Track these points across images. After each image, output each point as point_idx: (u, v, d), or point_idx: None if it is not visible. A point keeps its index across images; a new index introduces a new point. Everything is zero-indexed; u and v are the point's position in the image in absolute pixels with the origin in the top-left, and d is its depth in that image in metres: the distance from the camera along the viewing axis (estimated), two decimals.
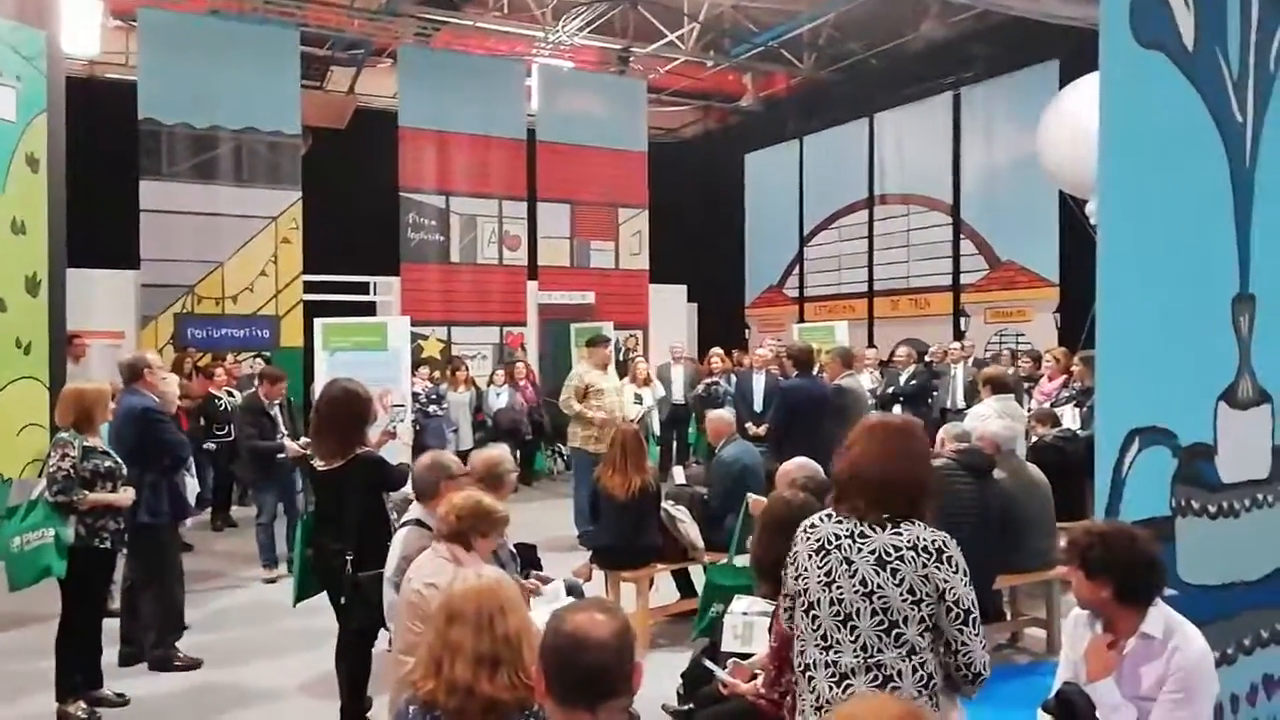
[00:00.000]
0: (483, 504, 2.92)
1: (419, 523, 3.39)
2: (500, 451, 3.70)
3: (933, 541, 2.22)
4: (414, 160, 11.80)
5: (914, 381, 9.41)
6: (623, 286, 13.24)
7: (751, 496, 4.38)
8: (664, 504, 5.15)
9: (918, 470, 2.26)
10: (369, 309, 11.90)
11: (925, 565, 2.19)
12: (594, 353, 7.43)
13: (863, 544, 2.24)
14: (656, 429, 9.81)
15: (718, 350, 10.13)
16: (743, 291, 15.36)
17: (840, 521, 2.29)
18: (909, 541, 2.21)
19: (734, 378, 9.49)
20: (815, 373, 6.76)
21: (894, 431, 2.28)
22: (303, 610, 4.44)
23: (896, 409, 8.57)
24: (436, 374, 10.69)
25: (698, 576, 5.23)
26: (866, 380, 9.18)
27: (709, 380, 9.69)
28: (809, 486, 3.09)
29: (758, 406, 8.51)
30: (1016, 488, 4.80)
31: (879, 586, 2.20)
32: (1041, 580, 4.90)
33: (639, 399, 9.21)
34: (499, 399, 10.36)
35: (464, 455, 3.94)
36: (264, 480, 6.68)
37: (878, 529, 2.24)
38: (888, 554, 2.21)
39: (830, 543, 2.28)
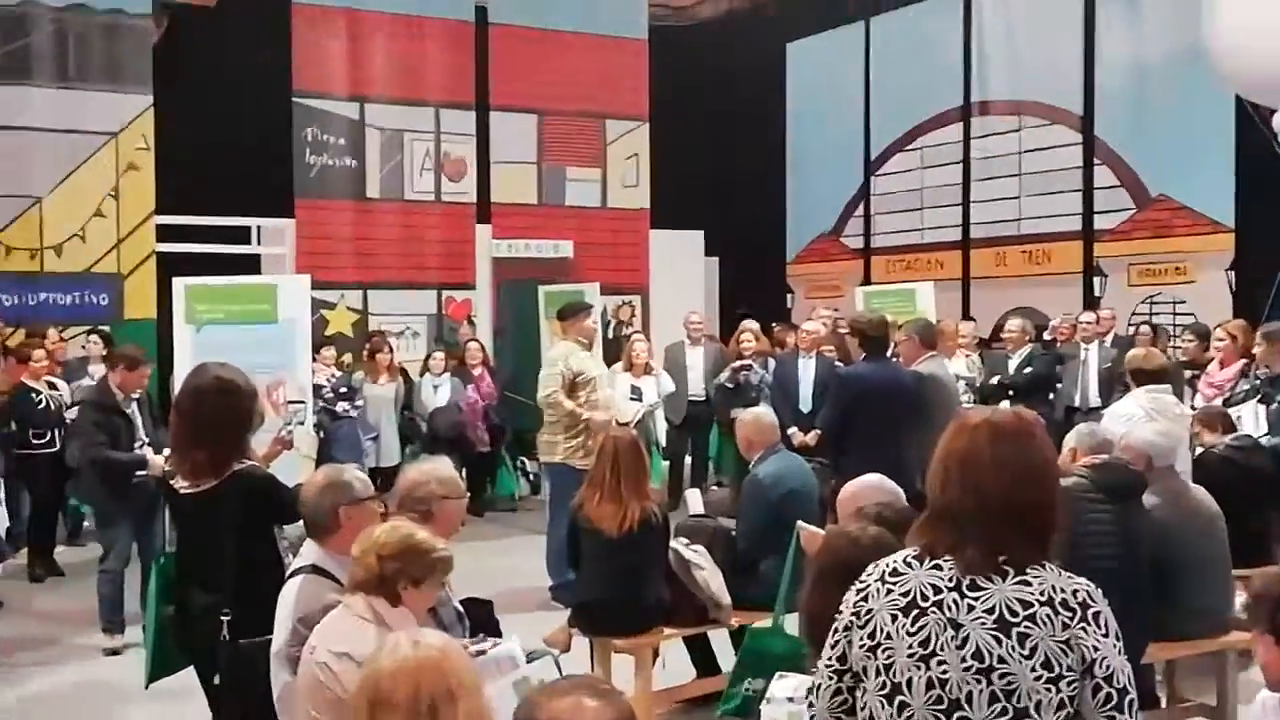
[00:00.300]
0: (415, 538, 2.94)
1: (316, 569, 3.44)
2: (437, 467, 3.72)
3: (1074, 593, 2.22)
4: (314, 52, 11.96)
5: (1028, 369, 9.50)
6: (613, 233, 13.31)
7: (803, 527, 4.43)
8: (674, 543, 5.24)
9: (1047, 490, 2.26)
10: (251, 264, 11.90)
11: (1067, 627, 2.19)
12: (573, 326, 7.51)
13: (974, 599, 2.24)
14: (662, 436, 9.86)
15: (750, 324, 10.15)
16: (783, 241, 15.40)
17: (937, 568, 2.28)
18: (1042, 594, 2.21)
19: (772, 363, 9.62)
20: (889, 355, 6.90)
21: (1009, 434, 2.27)
22: (159, 694, 4.47)
23: (1004, 406, 8.69)
24: (348, 358, 10.87)
25: (722, 645, 5.36)
26: (960, 366, 9.42)
27: (738, 366, 9.72)
28: (884, 516, 3.08)
29: (806, 404, 8.67)
30: (1175, 518, 4.85)
31: (1001, 660, 2.19)
32: (1211, 651, 4.94)
33: (636, 394, 9.35)
34: (438, 394, 10.42)
35: (388, 476, 3.72)
36: (114, 508, 6.64)
37: (994, 578, 2.24)
38: (1012, 613, 2.21)
39: (925, 598, 2.27)
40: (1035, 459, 2.26)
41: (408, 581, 2.92)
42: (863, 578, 2.33)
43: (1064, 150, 12.32)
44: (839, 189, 14.73)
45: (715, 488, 10.78)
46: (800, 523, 4.56)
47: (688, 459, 10.47)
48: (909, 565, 2.31)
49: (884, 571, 2.32)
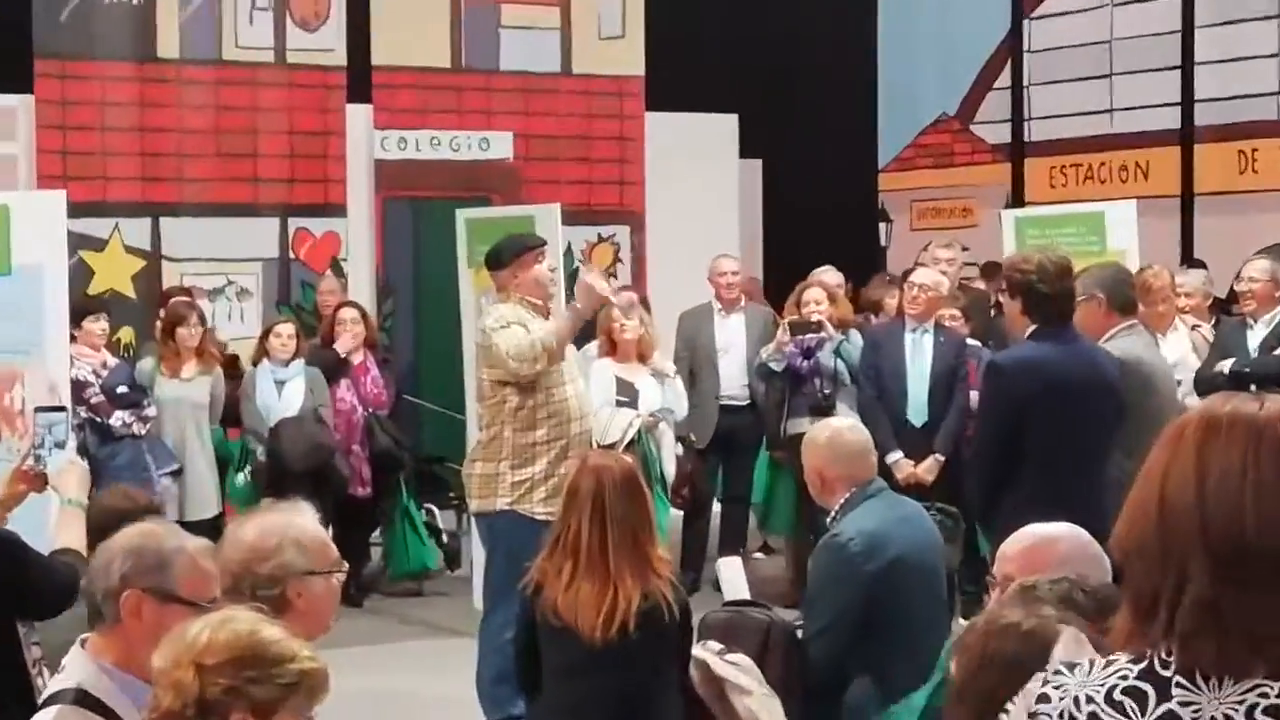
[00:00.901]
0: (260, 640, 2.96)
1: (83, 697, 3.51)
2: (293, 520, 3.80)
3: None
4: None
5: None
6: (583, 119, 13.30)
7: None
8: (698, 650, 5.40)
9: None
10: None
11: None
12: (515, 277, 7.75)
13: None
14: (670, 465, 9.88)
15: (820, 276, 10.31)
16: (871, 131, 15.20)
17: (1185, 686, 2.19)
18: None
19: (857, 340, 9.77)
20: (1068, 327, 6.74)
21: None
22: None
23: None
24: (127, 334, 11.15)
25: None
26: (1178, 345, 9.24)
27: (800, 339, 9.69)
28: (1074, 599, 3.09)
29: (918, 410, 8.97)
30: None
31: None
32: None
33: (626, 395, 9.45)
34: (283, 395, 10.27)
35: (203, 535, 4.06)
36: None
37: None
38: None
39: None
40: None
41: (246, 713, 2.94)
42: (1045, 709, 2.32)
43: None
44: (967, 42, 14.55)
45: (760, 554, 11.15)
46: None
47: (716, 504, 10.65)
48: (1143, 686, 2.25)
49: (1090, 691, 2.28)
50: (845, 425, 6.20)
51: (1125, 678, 2.21)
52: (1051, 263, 6.65)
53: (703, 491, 10.41)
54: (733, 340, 10.46)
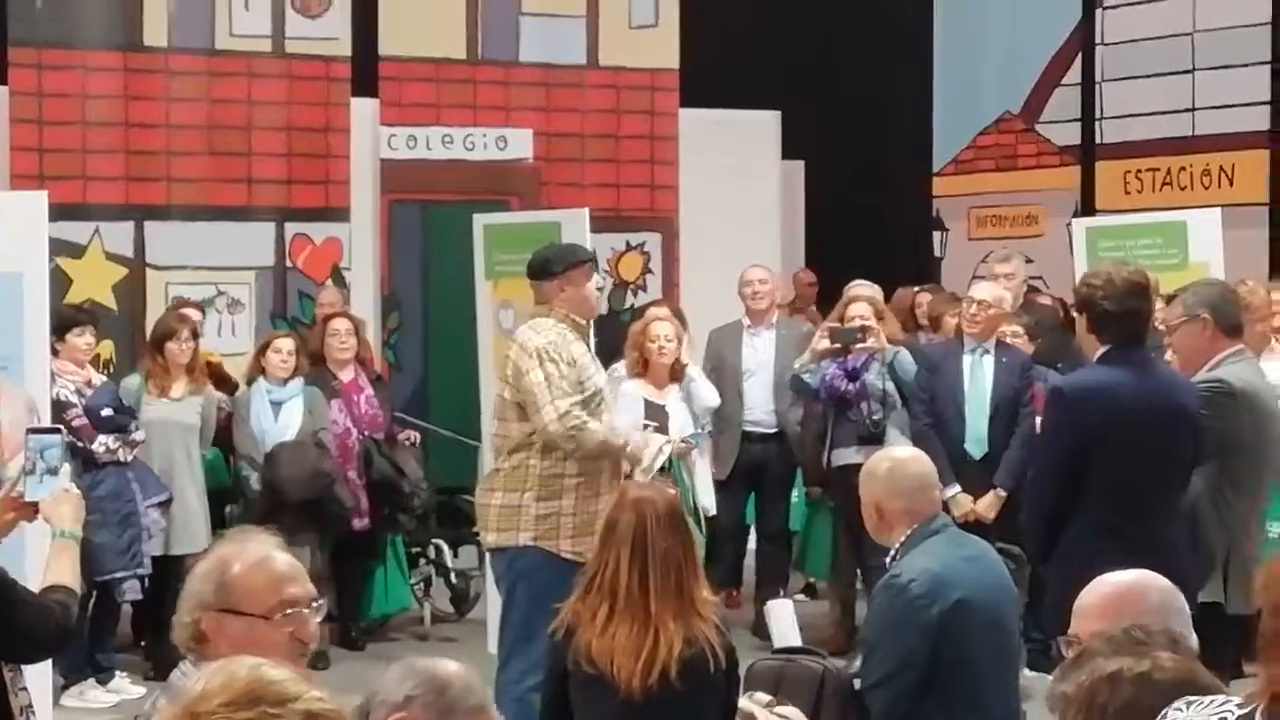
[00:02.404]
0: (257, 679, 2.78)
1: None
2: (238, 551, 3.72)
3: None
4: None
5: None
6: (611, 116, 13.21)
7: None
8: (744, 700, 5.42)
9: None
10: None
11: None
12: (563, 290, 7.64)
13: None
14: (707, 496, 9.90)
15: (863, 289, 10.13)
16: (927, 132, 15.09)
17: None
18: None
19: (906, 359, 9.69)
20: (1141, 349, 6.62)
21: None
22: None
23: None
24: (107, 349, 11.01)
25: None
26: (1278, 364, 8.96)
27: (845, 362, 9.62)
28: (1147, 640, 3.14)
29: (978, 440, 8.95)
30: None
31: None
32: None
33: (655, 417, 9.32)
34: (279, 418, 10.11)
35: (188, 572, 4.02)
36: None
37: None
38: None
39: None
40: None
41: None
42: None
43: None
44: (1034, 33, 14.39)
45: (802, 596, 10.92)
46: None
47: (751, 541, 10.68)
48: None
49: None
50: (908, 455, 6.01)
51: (1225, 718, 2.45)
52: (1121, 278, 6.45)
53: (724, 528, 10.24)
54: (762, 361, 10.31)
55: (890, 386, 9.37)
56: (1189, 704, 2.50)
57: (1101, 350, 6.45)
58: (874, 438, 8.83)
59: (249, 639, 3.57)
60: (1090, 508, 6.21)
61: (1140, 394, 6.29)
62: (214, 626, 3.58)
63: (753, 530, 10.70)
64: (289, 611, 3.65)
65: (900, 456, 5.92)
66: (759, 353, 10.31)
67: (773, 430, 10.15)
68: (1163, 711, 2.51)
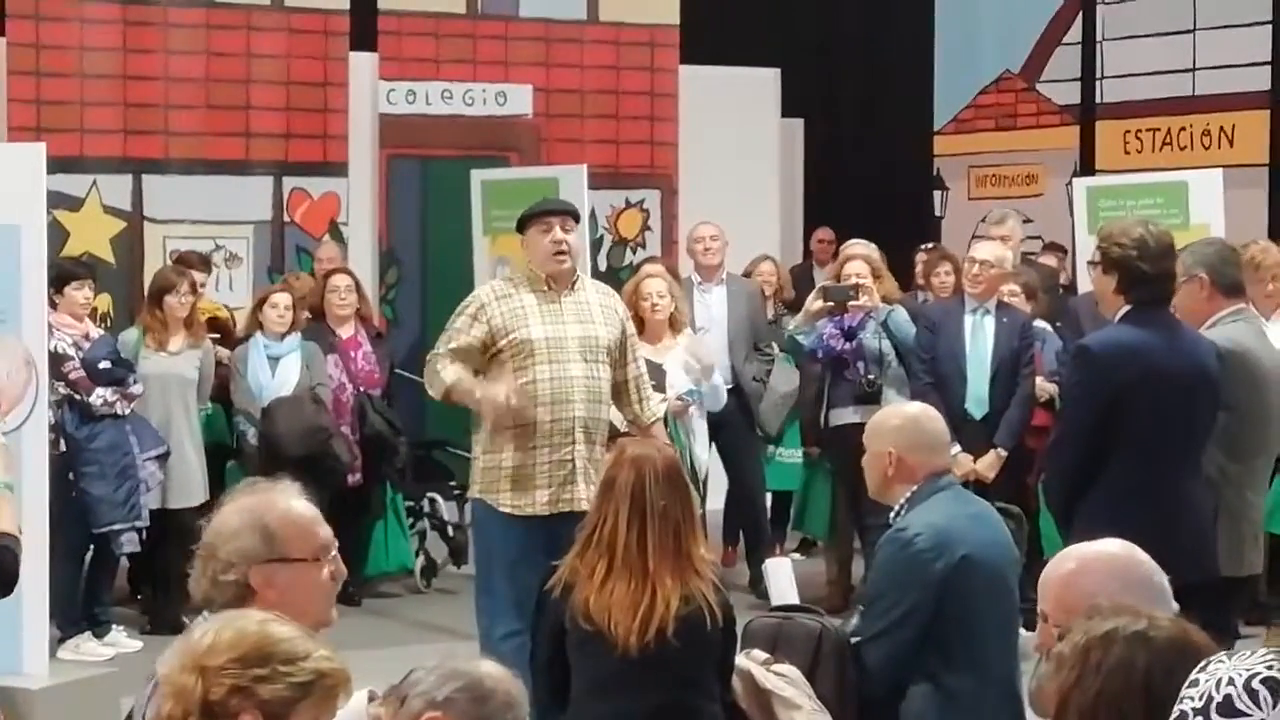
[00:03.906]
0: (266, 635, 2.98)
1: None
2: (267, 502, 3.77)
3: None
4: None
5: None
6: (611, 72, 13.28)
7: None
8: (741, 658, 5.40)
9: None
10: None
11: None
12: (528, 246, 7.75)
13: None
14: (703, 451, 9.85)
15: (859, 248, 10.10)
16: (928, 89, 15.11)
17: None
18: None
19: (902, 319, 9.64)
20: (1165, 310, 6.57)
21: None
22: None
23: None
24: (105, 302, 11.12)
25: None
26: None
27: (840, 321, 9.57)
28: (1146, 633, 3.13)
29: (978, 401, 8.91)
30: None
31: None
32: None
33: (654, 377, 8.92)
34: (277, 373, 10.18)
35: (187, 527, 4.76)
36: None
37: None
38: None
39: None
40: None
41: (255, 713, 2.95)
42: (1191, 692, 2.53)
43: None
44: None
45: (796, 555, 10.87)
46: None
47: (753, 492, 10.71)
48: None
49: (1232, 679, 2.47)
50: (918, 409, 6.03)
51: (1270, 667, 2.40)
52: (1154, 238, 6.40)
53: (743, 492, 10.33)
54: (714, 317, 10.33)
55: (886, 346, 9.38)
56: (1230, 654, 2.52)
57: (1124, 310, 6.44)
58: (870, 397, 8.83)
59: (299, 584, 3.64)
60: (1115, 467, 6.24)
61: (1169, 353, 6.32)
62: (262, 579, 3.59)
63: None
64: (332, 552, 3.70)
65: (914, 411, 5.96)
66: (711, 309, 10.36)
67: (728, 386, 10.11)
68: (1204, 661, 2.52)
